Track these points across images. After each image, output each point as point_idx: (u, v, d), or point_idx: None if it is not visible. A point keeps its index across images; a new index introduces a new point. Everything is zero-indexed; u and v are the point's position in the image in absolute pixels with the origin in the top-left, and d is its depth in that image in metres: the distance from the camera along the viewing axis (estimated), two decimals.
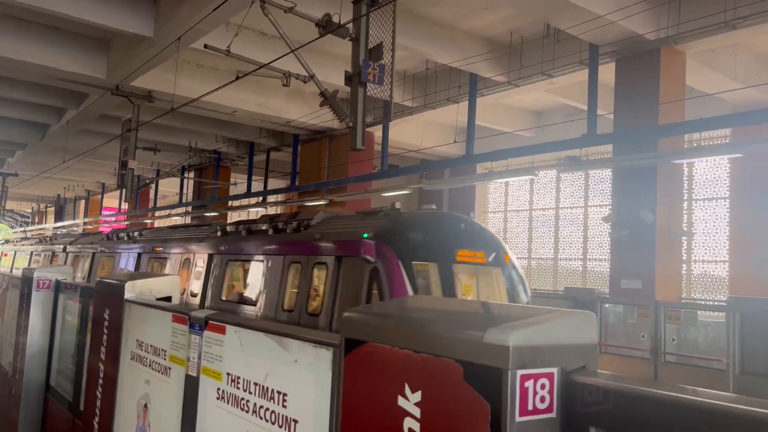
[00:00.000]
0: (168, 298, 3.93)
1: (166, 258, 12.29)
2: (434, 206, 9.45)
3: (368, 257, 7.43)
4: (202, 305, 10.27)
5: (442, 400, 1.47)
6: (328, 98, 9.60)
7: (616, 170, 12.69)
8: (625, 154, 11.86)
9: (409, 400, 1.55)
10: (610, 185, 14.19)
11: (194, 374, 2.90)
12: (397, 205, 8.68)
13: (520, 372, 1.33)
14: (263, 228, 10.07)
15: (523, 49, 13.94)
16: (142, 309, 3.70)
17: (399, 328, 1.64)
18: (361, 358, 1.75)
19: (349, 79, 8.29)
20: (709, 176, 16.43)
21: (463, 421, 1.41)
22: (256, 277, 9.54)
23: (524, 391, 1.34)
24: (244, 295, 9.87)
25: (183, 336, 3.07)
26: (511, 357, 1.33)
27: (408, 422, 1.55)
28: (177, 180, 29.02)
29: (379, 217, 8.41)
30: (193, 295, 10.80)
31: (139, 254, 13.29)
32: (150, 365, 3.46)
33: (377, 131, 17.41)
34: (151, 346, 3.48)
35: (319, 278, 8.26)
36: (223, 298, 10.00)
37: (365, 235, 7.70)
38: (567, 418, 1.39)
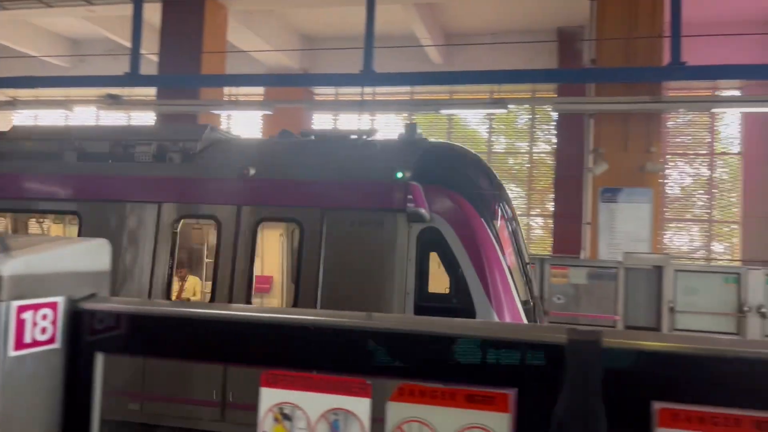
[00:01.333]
0: None
1: None
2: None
3: (421, 210, 4.79)
4: None
5: None
6: None
7: (159, 114, 12.64)
8: (169, 99, 11.90)
9: None
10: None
11: None
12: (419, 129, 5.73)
13: (16, 303, 1.24)
14: (41, 149, 6.09)
15: None
16: None
17: None
18: None
19: None
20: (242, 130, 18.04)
21: None
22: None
23: (21, 323, 1.25)
24: None
25: None
26: (6, 287, 1.23)
27: None
28: None
29: (389, 145, 5.59)
30: None
31: None
32: None
33: None
34: None
35: (269, 250, 5.45)
36: None
37: (399, 175, 4.95)
38: (73, 347, 1.36)
